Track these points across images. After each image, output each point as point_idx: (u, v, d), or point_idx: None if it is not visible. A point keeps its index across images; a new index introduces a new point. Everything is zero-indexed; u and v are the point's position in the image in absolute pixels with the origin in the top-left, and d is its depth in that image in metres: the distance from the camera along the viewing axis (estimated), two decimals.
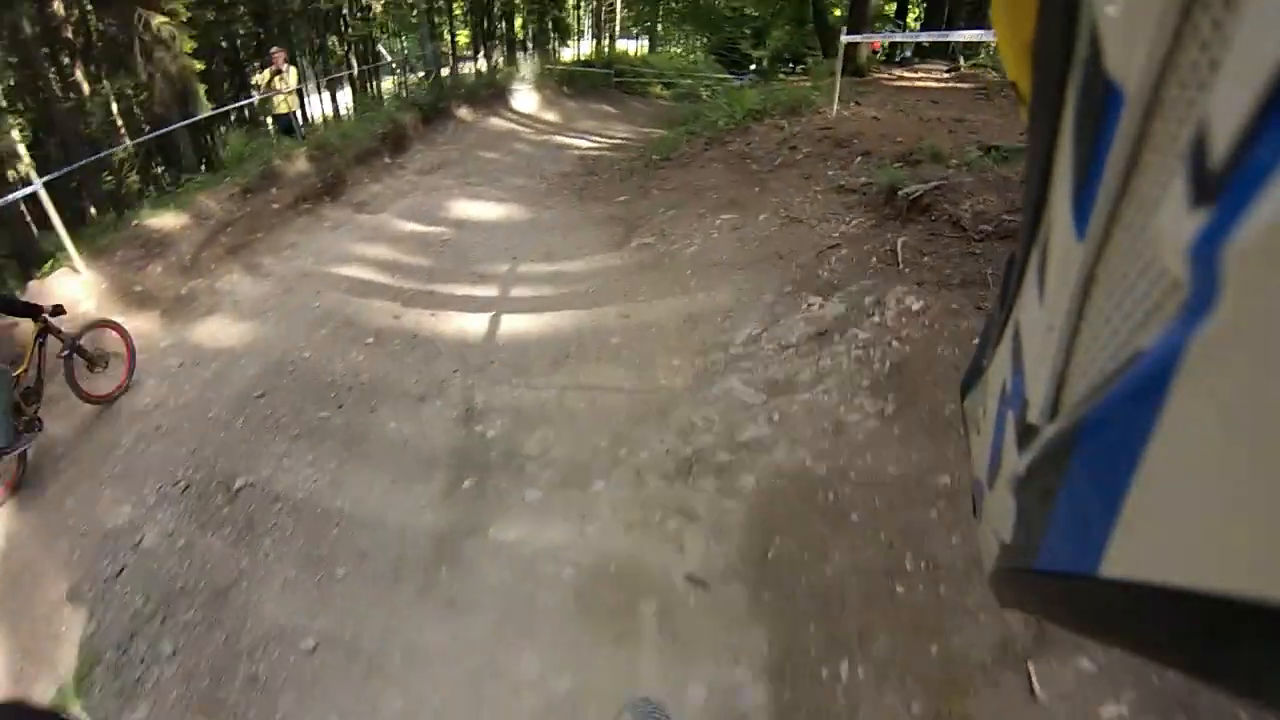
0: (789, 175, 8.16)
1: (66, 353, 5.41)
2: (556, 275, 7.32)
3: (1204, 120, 0.21)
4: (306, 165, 11.09)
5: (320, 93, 16.37)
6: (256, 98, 12.30)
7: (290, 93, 12.13)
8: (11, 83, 11.47)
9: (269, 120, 12.47)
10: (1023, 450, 0.45)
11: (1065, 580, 0.35)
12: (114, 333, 6.05)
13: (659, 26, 29.60)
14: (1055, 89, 0.35)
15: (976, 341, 0.90)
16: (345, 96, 17.00)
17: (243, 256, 8.75)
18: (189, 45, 12.62)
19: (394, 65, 18.71)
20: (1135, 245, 0.28)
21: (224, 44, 14.89)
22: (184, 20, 12.49)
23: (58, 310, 5.45)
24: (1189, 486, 0.23)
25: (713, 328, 5.37)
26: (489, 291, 7.13)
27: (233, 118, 14.13)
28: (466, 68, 20.22)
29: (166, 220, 8.90)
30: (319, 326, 6.59)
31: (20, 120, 11.62)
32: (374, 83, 17.73)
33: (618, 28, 27.95)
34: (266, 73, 12.02)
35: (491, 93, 18.00)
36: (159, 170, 13.36)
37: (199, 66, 12.98)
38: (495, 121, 16.58)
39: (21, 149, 9.64)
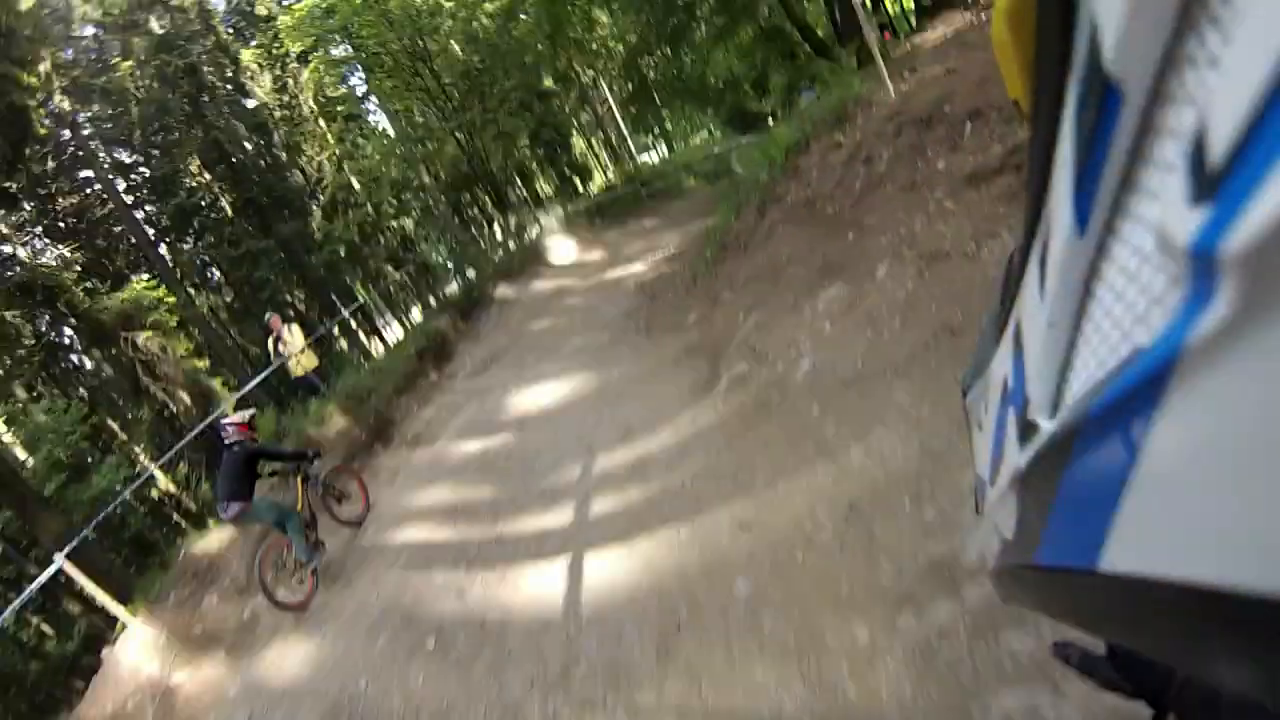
0: (887, 196, 6.23)
1: (321, 491, 6.95)
2: (641, 465, 5.50)
3: (1203, 118, 0.22)
4: (344, 420, 9.87)
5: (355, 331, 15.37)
6: (269, 369, 11.15)
7: (299, 353, 10.88)
8: None
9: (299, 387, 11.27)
10: (1024, 446, 0.44)
11: (1065, 575, 0.35)
12: (349, 474, 7.77)
13: (666, 124, 28.69)
14: (1054, 87, 0.34)
15: (979, 339, 0.81)
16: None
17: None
18: (184, 346, 11.71)
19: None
20: (1135, 242, 0.29)
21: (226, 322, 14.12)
22: (174, 325, 11.61)
23: (316, 455, 7.07)
24: (1188, 481, 0.23)
25: (902, 523, 3.24)
26: (563, 518, 5.44)
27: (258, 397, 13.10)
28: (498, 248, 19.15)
29: (212, 541, 7.98)
30: (376, 634, 5.35)
31: None
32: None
33: (631, 145, 27.19)
34: (270, 341, 10.98)
35: (526, 257, 16.67)
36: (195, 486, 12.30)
37: (201, 364, 12.02)
38: (539, 286, 15.14)
39: None
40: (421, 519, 6.84)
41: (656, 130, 28.73)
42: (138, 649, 6.68)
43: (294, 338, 10.97)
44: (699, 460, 4.97)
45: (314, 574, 6.38)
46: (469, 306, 13.89)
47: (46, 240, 16.82)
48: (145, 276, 16.05)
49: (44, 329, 12.98)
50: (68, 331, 13.27)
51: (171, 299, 13.22)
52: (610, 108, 26.57)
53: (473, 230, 20.03)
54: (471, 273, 15.86)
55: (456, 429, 8.79)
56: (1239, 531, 0.21)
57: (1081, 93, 0.32)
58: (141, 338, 11.65)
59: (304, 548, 6.33)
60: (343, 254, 19.12)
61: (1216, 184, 0.20)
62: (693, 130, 29.30)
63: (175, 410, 11.55)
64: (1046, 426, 0.40)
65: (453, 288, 14.81)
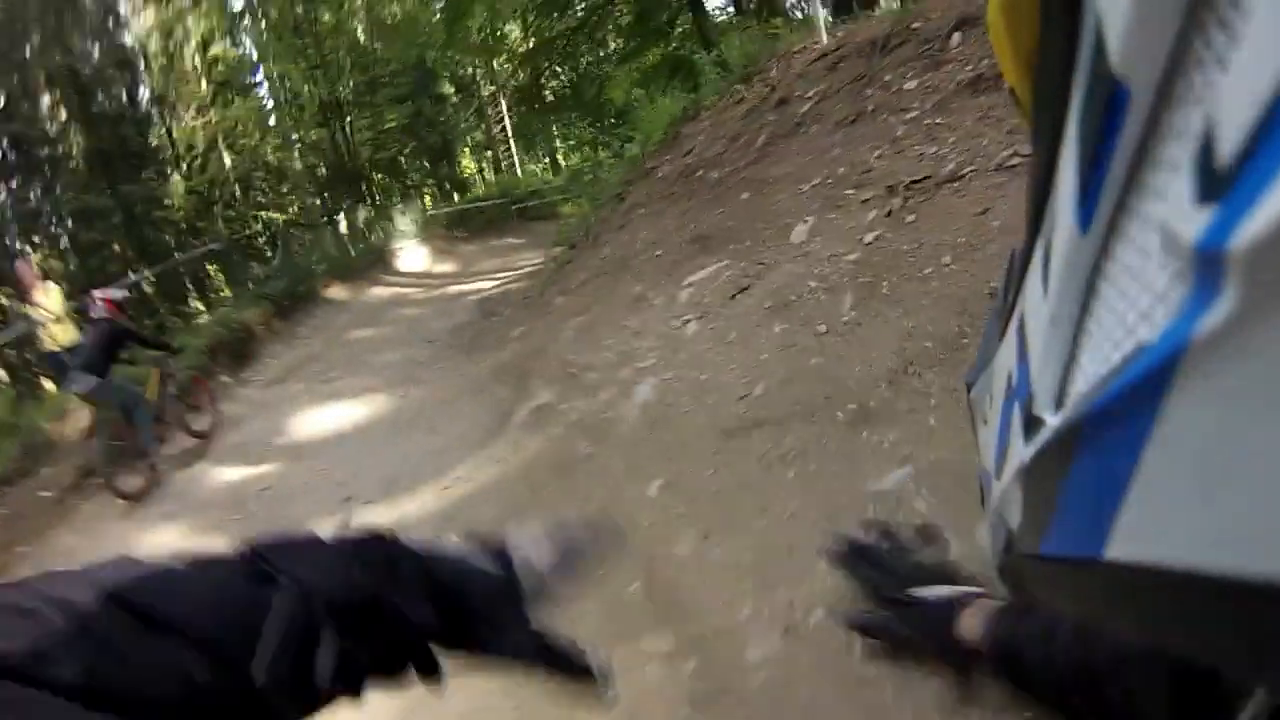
0: (809, 138, 4.98)
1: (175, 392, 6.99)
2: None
3: (1211, 117, 0.21)
4: (88, 418, 7.71)
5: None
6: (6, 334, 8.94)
7: (53, 321, 8.60)
8: None
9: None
10: (1029, 441, 0.42)
11: (1071, 565, 0.36)
12: (204, 387, 7.80)
13: (555, 143, 27.78)
14: (1059, 84, 0.33)
15: (983, 334, 0.69)
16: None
17: None
18: None
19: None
20: (1140, 240, 0.29)
21: None
22: None
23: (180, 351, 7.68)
24: (1192, 472, 0.24)
25: None
26: None
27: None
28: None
29: None
30: None
31: None
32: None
33: (515, 158, 26.04)
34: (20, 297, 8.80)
35: (373, 260, 14.94)
36: None
37: None
38: (375, 292, 13.46)
39: None
40: None
41: (544, 154, 27.94)
42: None
43: (49, 299, 8.68)
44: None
45: (153, 468, 6.29)
46: (292, 303, 12.07)
47: None
48: None
49: None
50: None
51: None
52: (505, 127, 25.53)
53: (324, 223, 18.07)
54: (319, 265, 14.12)
55: (225, 452, 7.04)
56: (1241, 520, 0.21)
57: (1087, 91, 0.30)
58: None
59: (149, 438, 6.31)
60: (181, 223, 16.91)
61: (1224, 183, 0.20)
62: (582, 154, 28.61)
63: None
64: (1051, 421, 0.38)
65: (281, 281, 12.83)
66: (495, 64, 22.69)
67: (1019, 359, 0.49)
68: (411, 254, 15.90)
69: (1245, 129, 0.19)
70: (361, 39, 19.99)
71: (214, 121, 19.32)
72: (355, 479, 5.01)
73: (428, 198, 22.03)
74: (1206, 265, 0.21)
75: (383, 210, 19.08)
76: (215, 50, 19.41)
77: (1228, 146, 0.20)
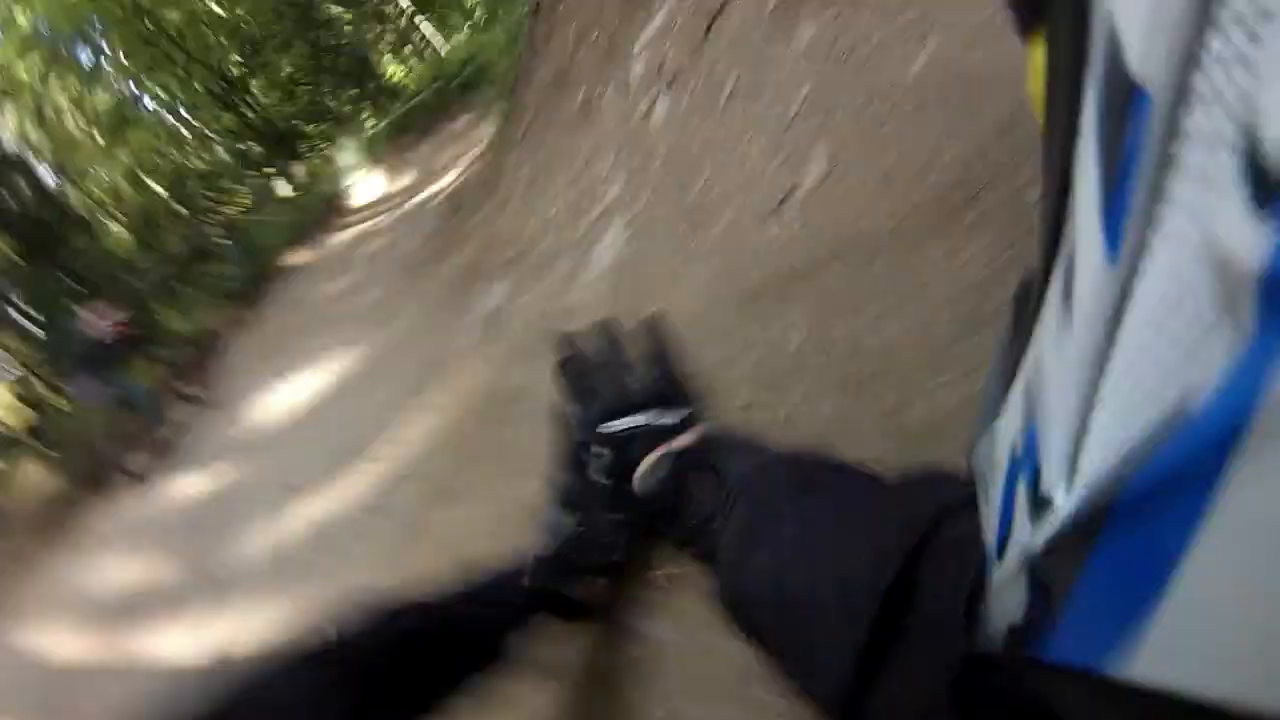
0: None
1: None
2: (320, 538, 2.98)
3: (1252, 113, 0.19)
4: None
5: None
6: None
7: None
8: None
9: None
10: (1036, 525, 0.37)
11: (1079, 676, 0.31)
12: None
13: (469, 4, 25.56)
14: (1071, 91, 0.31)
15: (983, 390, 0.59)
16: None
17: None
18: None
19: None
20: (1176, 264, 0.24)
21: None
22: None
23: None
24: (1257, 572, 0.19)
25: None
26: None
27: None
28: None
29: None
30: None
31: None
32: None
33: (437, 44, 23.86)
34: None
35: (327, 208, 13.83)
36: None
37: None
38: (340, 238, 12.05)
39: None
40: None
41: (460, 19, 24.60)
42: None
43: None
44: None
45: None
46: (255, 289, 11.07)
47: None
48: None
49: None
50: None
51: None
52: (406, 13, 23.36)
53: (266, 192, 16.75)
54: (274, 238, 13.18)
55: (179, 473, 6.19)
56: None
57: (1103, 99, 0.28)
58: None
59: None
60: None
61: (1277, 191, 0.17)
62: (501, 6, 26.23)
63: None
64: (1062, 503, 0.32)
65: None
66: None
67: (1024, 424, 0.44)
68: (366, 183, 14.52)
69: None
70: (217, 9, 18.06)
71: (126, 163, 18.52)
72: (305, 464, 3.94)
73: (369, 120, 20.27)
74: (1274, 296, 0.17)
75: (321, 155, 17.54)
76: (91, 104, 18.50)
77: (1277, 147, 0.17)
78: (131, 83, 19.13)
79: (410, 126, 16.71)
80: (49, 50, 16.58)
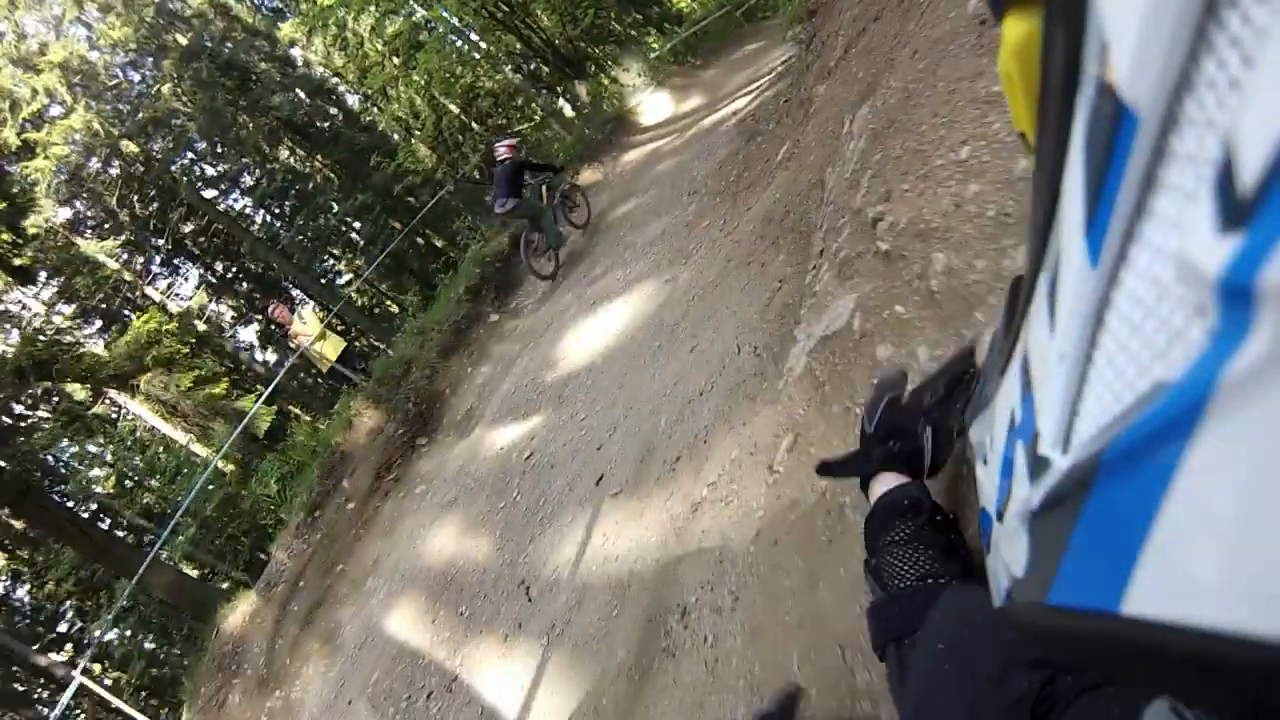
0: None
1: (559, 199, 9.14)
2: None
3: (1228, 139, 0.21)
4: (376, 416, 7.67)
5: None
6: (283, 370, 9.09)
7: (319, 339, 8.53)
8: None
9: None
10: (1035, 482, 0.43)
11: (1081, 616, 0.35)
12: (578, 190, 9.99)
13: None
14: (1062, 107, 0.34)
15: (983, 369, 0.78)
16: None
17: (320, 623, 6.12)
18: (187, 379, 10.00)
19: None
20: (1153, 271, 0.27)
21: None
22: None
23: (561, 169, 10.20)
24: (1220, 525, 0.23)
25: None
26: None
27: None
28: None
29: (238, 615, 6.85)
30: None
31: None
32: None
33: None
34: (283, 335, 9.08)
35: (614, 128, 13.55)
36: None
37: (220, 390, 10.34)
38: (628, 158, 12.03)
39: None
40: (415, 590, 5.03)
41: None
42: None
43: (308, 324, 8.62)
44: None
45: (558, 256, 8.70)
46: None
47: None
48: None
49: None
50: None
51: (171, 325, 11.88)
52: None
53: (553, 109, 17.05)
54: (559, 157, 13.05)
55: (498, 407, 6.35)
56: (1274, 577, 0.21)
57: (1092, 116, 0.31)
58: (142, 382, 9.93)
59: (555, 234, 8.55)
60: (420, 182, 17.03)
61: (1247, 211, 0.19)
62: None
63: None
64: (1059, 462, 0.38)
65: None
66: None
67: (1023, 396, 0.47)
68: (652, 104, 14.24)
69: (1266, 152, 0.18)
70: None
71: (418, 82, 19.51)
72: (611, 442, 4.02)
73: (653, 43, 20.14)
74: (1231, 299, 0.20)
75: (606, 74, 17.57)
76: (390, 29, 19.45)
77: (1247, 171, 0.19)
78: (420, 7, 20.07)
79: (695, 50, 16.35)
80: None
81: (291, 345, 9.08)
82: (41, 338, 10.43)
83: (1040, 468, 0.40)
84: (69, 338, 12.29)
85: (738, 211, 5.15)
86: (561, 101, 16.41)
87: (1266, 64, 0.18)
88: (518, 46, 18.92)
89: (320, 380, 11.69)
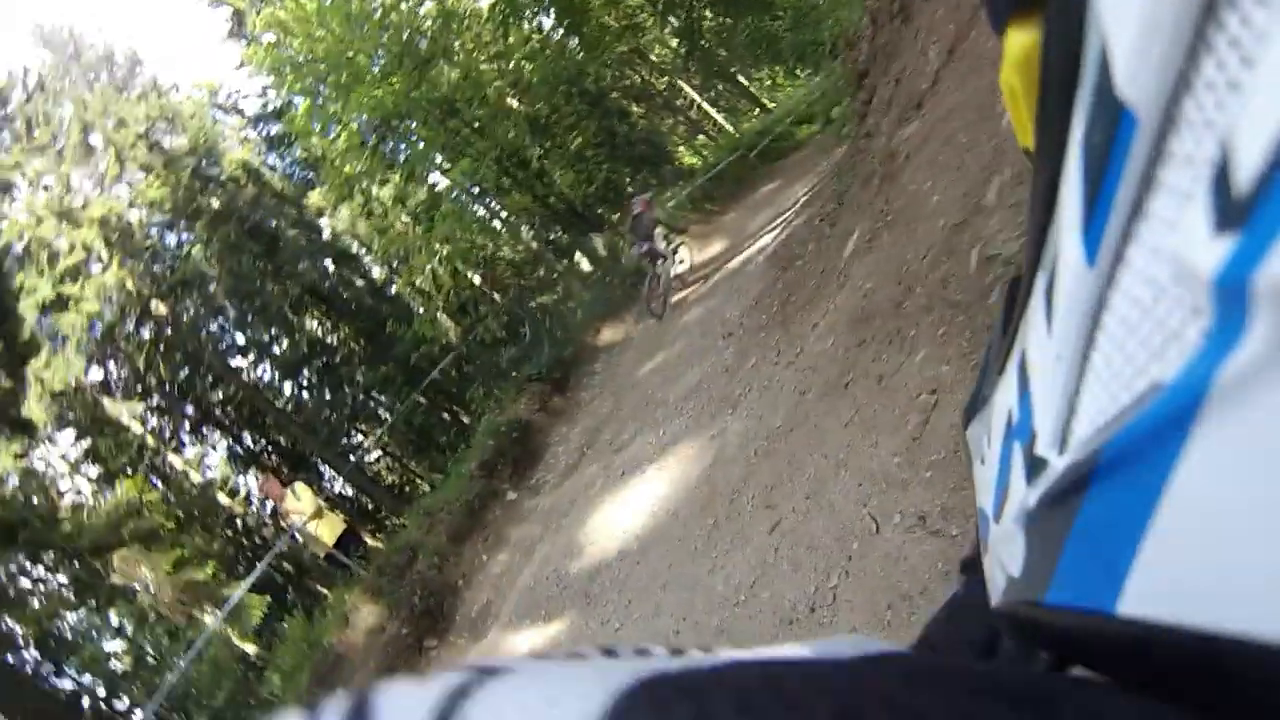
0: None
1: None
2: None
3: (1226, 139, 0.21)
4: (377, 611, 6.67)
5: None
6: (270, 554, 8.11)
7: (313, 518, 7.51)
8: None
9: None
10: (1031, 482, 0.42)
11: (1076, 617, 0.35)
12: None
13: (753, 89, 25.90)
14: (1061, 109, 0.33)
15: (980, 370, 0.66)
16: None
17: None
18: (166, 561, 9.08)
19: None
20: (1150, 272, 0.27)
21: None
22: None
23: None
24: (1213, 524, 0.23)
25: None
26: None
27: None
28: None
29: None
30: None
31: None
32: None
33: (728, 125, 23.93)
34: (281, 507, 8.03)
35: (631, 283, 12.88)
36: None
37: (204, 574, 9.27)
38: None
39: None
40: None
41: (748, 102, 26.00)
42: None
43: (302, 501, 7.55)
44: None
45: (666, 299, 10.50)
46: (563, 373, 10.46)
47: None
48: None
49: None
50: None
51: (152, 496, 11.42)
52: (696, 103, 24.17)
53: (563, 270, 16.86)
54: (578, 315, 13.10)
55: (514, 607, 5.28)
56: (1270, 579, 0.21)
57: (1090, 116, 0.30)
58: (117, 559, 9.16)
59: (669, 282, 10.63)
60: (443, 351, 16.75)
61: (1241, 211, 0.20)
62: (786, 82, 26.28)
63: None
64: (1056, 462, 0.37)
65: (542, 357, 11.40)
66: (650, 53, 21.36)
67: (1020, 395, 0.48)
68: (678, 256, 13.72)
69: (1263, 153, 0.19)
70: (515, 104, 18.94)
71: (441, 251, 19.58)
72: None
73: (668, 195, 20.28)
74: (1227, 300, 0.20)
75: (618, 230, 17.40)
76: (410, 200, 19.95)
77: (1244, 172, 0.19)
78: (440, 175, 20.17)
79: (712, 197, 16.32)
80: (370, 150, 17.87)
81: (283, 525, 8.05)
82: (17, 498, 9.57)
83: (1037, 468, 0.40)
84: (69, 499, 11.63)
85: (794, 336, 4.26)
86: (579, 256, 16.04)
87: (1265, 65, 0.19)
88: (534, 206, 19.07)
89: (311, 568, 10.76)
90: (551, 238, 19.38)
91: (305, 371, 19.86)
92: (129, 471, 13.64)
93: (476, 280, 18.69)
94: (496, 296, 18.24)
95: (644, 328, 11.25)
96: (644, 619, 3.24)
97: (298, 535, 7.77)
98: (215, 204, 18.76)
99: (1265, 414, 0.19)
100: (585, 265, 15.72)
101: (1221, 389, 0.20)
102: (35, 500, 10.14)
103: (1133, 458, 0.26)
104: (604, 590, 4.06)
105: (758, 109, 25.77)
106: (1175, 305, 0.24)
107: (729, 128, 23.83)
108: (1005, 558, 0.46)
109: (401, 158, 18.37)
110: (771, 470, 2.98)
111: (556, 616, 4.34)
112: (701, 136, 25.46)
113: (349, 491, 19.43)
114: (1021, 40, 0.41)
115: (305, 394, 20.16)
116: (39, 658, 13.74)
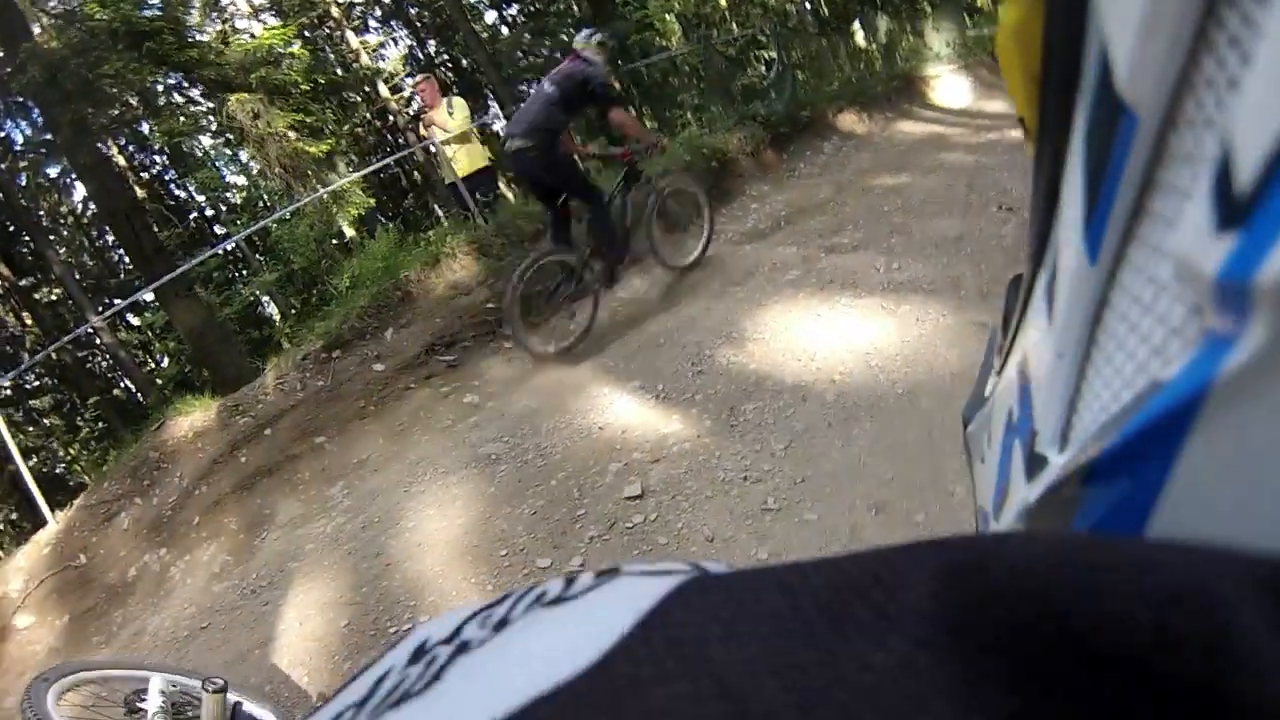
0: None
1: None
2: None
3: (1226, 138, 0.21)
4: (471, 268, 6.09)
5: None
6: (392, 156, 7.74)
7: (455, 139, 7.01)
8: None
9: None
10: (1032, 480, 0.44)
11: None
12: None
13: None
14: (1061, 107, 0.34)
15: (980, 368, 0.83)
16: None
17: (254, 501, 4.70)
18: (283, 121, 8.79)
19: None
20: (1151, 270, 0.28)
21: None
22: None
23: None
24: (1214, 521, 0.23)
25: None
26: None
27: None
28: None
29: (185, 423, 5.27)
30: None
31: None
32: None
33: None
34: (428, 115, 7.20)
35: (899, 86, 11.46)
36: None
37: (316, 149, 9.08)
38: (905, 127, 10.11)
39: None
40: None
41: None
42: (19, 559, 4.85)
43: (453, 117, 6.98)
44: None
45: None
46: (788, 132, 9.08)
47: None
48: None
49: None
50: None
51: (302, 53, 10.85)
52: None
53: (834, 31, 14.93)
54: (829, 85, 11.30)
55: (628, 358, 4.82)
56: None
57: (1091, 115, 0.31)
58: (234, 100, 8.85)
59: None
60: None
61: (1242, 209, 0.20)
62: None
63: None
64: (1056, 460, 0.39)
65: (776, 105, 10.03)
66: None
67: (1020, 394, 0.48)
68: (950, 84, 12.15)
69: (1263, 152, 0.19)
70: None
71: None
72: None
73: (965, 15, 17.67)
74: (1229, 298, 0.20)
75: (910, 23, 15.30)
76: None
77: (1245, 171, 0.19)
78: None
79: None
80: None
81: (423, 133, 7.55)
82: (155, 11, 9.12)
83: (1037, 466, 0.40)
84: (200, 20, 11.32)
85: None
86: (856, 25, 14.25)
87: (1265, 64, 0.19)
88: None
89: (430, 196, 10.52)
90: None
91: (513, 7, 18.94)
92: (305, 35, 13.21)
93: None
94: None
95: (893, 132, 10.04)
96: (797, 486, 2.95)
97: (434, 148, 7.29)
98: None
99: (1266, 412, 0.19)
100: (860, 39, 13.98)
101: (1222, 387, 0.20)
102: (180, 18, 9.54)
103: (1133, 456, 0.26)
104: (753, 418, 3.57)
105: None
106: (1176, 303, 0.24)
107: None
108: None
109: None
110: None
111: (678, 411, 3.86)
112: None
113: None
114: (1017, 9, 0.39)
115: (505, 28, 19.31)
116: (168, 163, 14.56)
